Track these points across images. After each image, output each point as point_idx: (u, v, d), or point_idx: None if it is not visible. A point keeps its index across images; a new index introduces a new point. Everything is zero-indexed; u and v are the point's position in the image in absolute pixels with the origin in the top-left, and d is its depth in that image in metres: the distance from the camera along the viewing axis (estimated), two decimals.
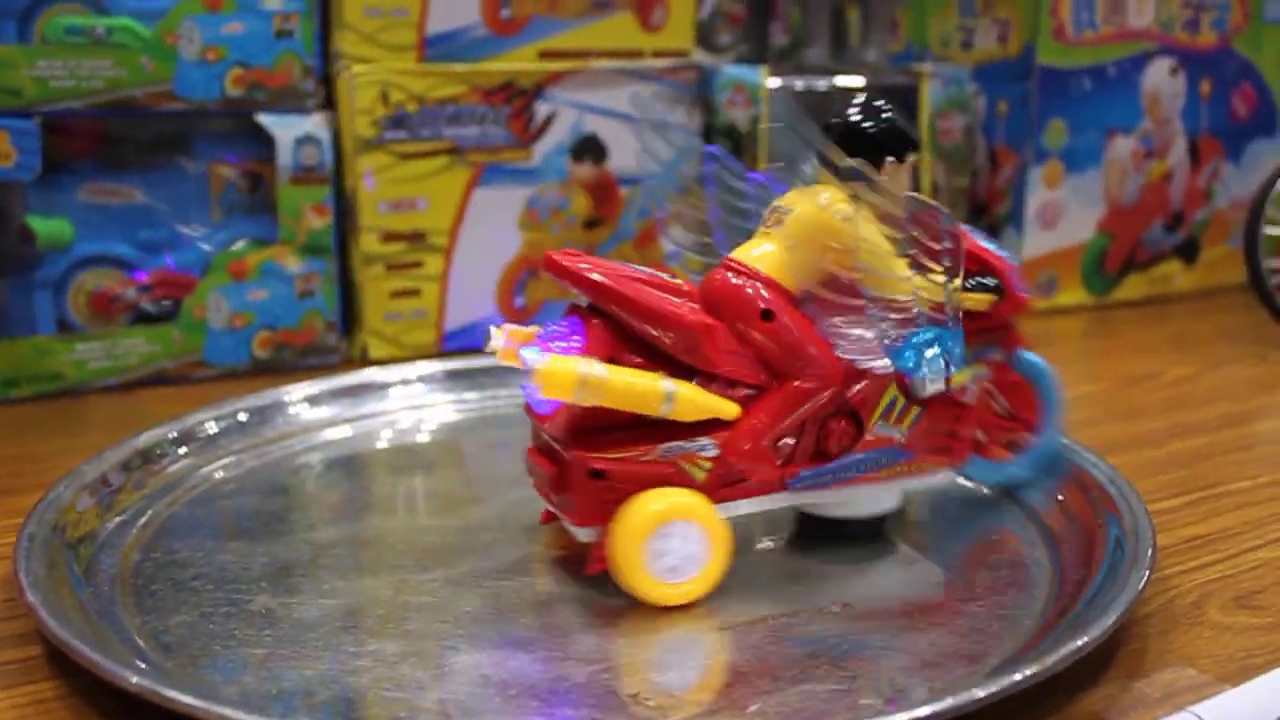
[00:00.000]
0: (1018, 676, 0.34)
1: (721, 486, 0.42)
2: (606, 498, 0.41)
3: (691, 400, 0.41)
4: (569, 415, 0.41)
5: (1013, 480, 0.50)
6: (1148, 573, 0.40)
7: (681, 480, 0.41)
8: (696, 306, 0.42)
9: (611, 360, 0.41)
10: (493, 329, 0.44)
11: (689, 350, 0.41)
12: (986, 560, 0.45)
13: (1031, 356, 0.49)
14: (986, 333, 0.47)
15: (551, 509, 0.44)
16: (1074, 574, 0.43)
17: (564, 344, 0.42)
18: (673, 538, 0.41)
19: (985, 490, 0.51)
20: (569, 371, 0.39)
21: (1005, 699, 0.34)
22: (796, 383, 0.42)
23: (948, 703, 0.33)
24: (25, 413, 0.62)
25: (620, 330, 0.41)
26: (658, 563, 0.41)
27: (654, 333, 0.41)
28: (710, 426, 0.42)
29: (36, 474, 0.53)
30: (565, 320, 0.43)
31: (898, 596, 0.43)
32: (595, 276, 0.41)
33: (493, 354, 0.44)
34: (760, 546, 0.46)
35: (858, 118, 0.43)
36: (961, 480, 0.53)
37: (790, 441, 0.43)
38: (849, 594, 0.42)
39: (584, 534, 0.42)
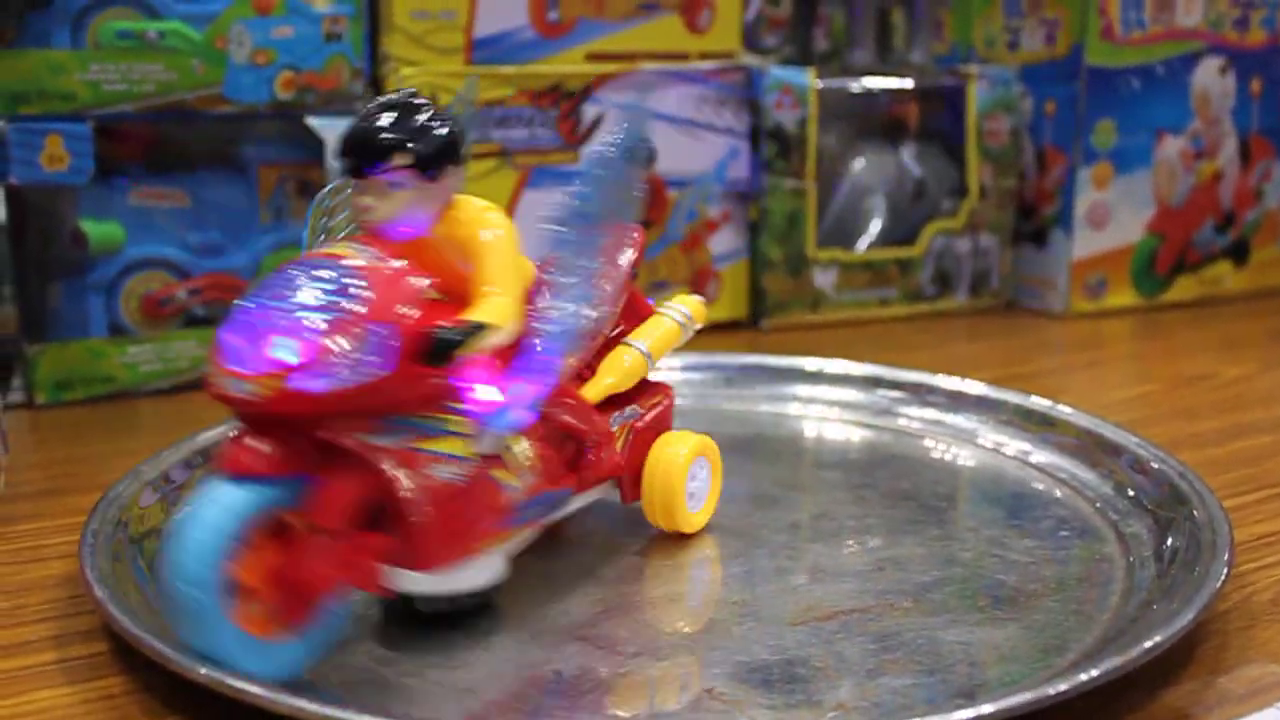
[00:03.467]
0: (1099, 670, 0.33)
1: None
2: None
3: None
4: None
5: None
6: (1227, 567, 0.39)
7: None
8: None
9: None
10: None
11: None
12: (1058, 555, 0.44)
13: None
14: None
15: None
16: (1148, 569, 0.42)
17: None
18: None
19: (1057, 492, 0.51)
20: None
21: (1085, 694, 0.33)
22: None
23: (1028, 696, 0.32)
24: (78, 415, 0.62)
25: None
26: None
27: None
28: None
29: (91, 475, 0.53)
30: None
31: (969, 592, 0.42)
32: None
33: None
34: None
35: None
36: (1028, 475, 0.52)
37: None
38: (919, 590, 0.42)
39: None
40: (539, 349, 0.38)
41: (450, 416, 0.36)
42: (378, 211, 0.37)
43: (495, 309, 0.37)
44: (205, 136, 0.68)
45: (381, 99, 0.37)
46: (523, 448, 0.39)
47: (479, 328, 0.35)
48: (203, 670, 0.34)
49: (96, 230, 0.64)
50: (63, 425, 0.61)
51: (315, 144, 0.68)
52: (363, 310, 0.33)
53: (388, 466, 0.35)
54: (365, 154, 0.36)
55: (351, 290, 0.34)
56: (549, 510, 0.41)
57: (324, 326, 0.33)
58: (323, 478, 0.34)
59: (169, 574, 0.33)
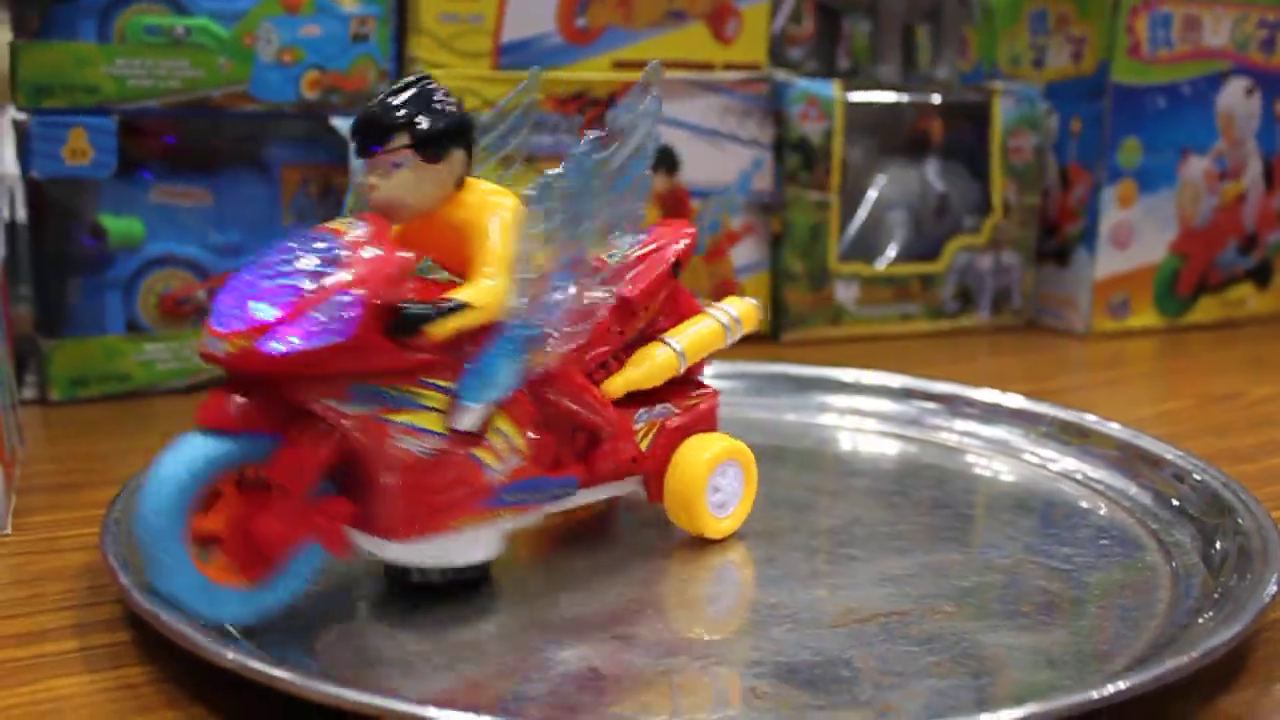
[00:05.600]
0: (1159, 672, 0.32)
1: None
2: None
3: None
4: None
5: None
6: (1279, 573, 0.38)
7: None
8: None
9: None
10: None
11: None
12: (1099, 563, 0.43)
13: None
14: None
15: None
16: (1195, 576, 0.41)
17: None
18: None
19: (1095, 503, 0.50)
20: None
21: (1135, 700, 0.32)
22: None
23: (1082, 697, 0.31)
24: (94, 412, 0.61)
25: None
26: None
27: None
28: None
29: (106, 470, 0.53)
30: None
31: (1011, 598, 0.41)
32: None
33: None
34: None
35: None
36: (1064, 486, 0.51)
37: None
38: (959, 594, 0.41)
39: None
40: (511, 330, 0.37)
41: (425, 391, 0.36)
42: (380, 190, 0.37)
43: (481, 290, 0.37)
44: (229, 134, 0.67)
45: (396, 82, 0.38)
46: (507, 430, 0.38)
47: (456, 306, 0.36)
48: (230, 655, 0.33)
49: (116, 225, 0.64)
50: (77, 422, 0.60)
51: (340, 145, 0.67)
52: (338, 280, 0.34)
53: (353, 432, 0.36)
54: (370, 133, 0.37)
55: (334, 260, 0.35)
56: (547, 497, 0.41)
57: (301, 292, 0.34)
58: (289, 439, 0.36)
59: (135, 516, 0.35)
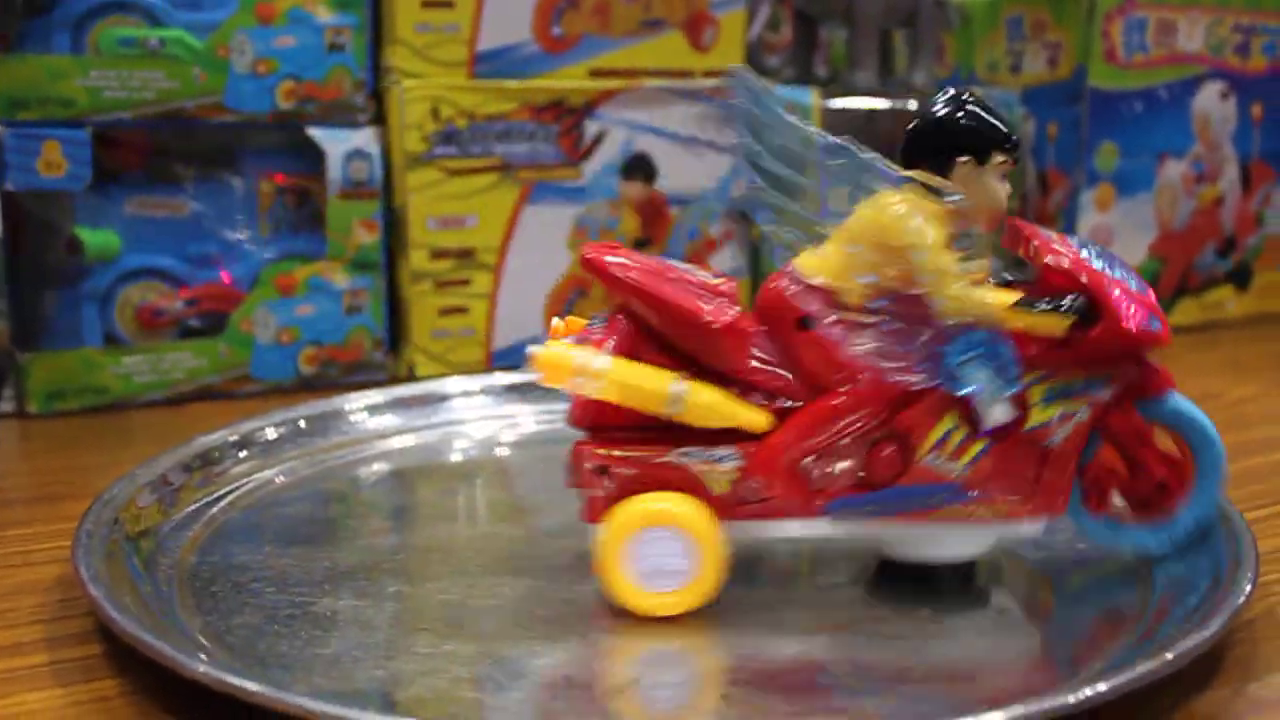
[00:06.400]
0: (1131, 675, 0.32)
1: (743, 503, 0.39)
2: (611, 495, 0.39)
3: (706, 406, 0.38)
4: (585, 408, 0.39)
5: (1141, 551, 0.42)
6: (1253, 576, 0.38)
7: (696, 489, 0.39)
8: (732, 310, 0.39)
9: (633, 358, 0.39)
10: (556, 320, 0.42)
11: (709, 353, 0.39)
12: (1076, 566, 0.43)
13: (1183, 405, 0.43)
14: (1091, 365, 0.40)
15: None
16: (1168, 577, 0.41)
17: (598, 338, 0.40)
18: (656, 543, 0.38)
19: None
20: (566, 360, 0.38)
21: (1113, 701, 0.32)
22: (831, 399, 0.39)
23: (1055, 702, 0.31)
24: (72, 425, 0.61)
25: (649, 330, 0.39)
26: (637, 566, 0.39)
27: (673, 332, 0.39)
28: (737, 437, 0.39)
29: (83, 483, 0.52)
30: (605, 318, 0.41)
31: (988, 601, 0.41)
32: (622, 272, 0.39)
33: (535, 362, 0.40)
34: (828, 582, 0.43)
35: (926, 115, 0.39)
36: None
37: (829, 464, 0.39)
38: (937, 599, 0.41)
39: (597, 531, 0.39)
40: None
41: None
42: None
43: None
44: (204, 146, 0.67)
45: (971, 94, 0.40)
46: None
47: None
48: (200, 668, 0.32)
49: (93, 238, 0.64)
50: (55, 435, 0.60)
51: (315, 155, 0.67)
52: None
53: None
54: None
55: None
56: None
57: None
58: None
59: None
